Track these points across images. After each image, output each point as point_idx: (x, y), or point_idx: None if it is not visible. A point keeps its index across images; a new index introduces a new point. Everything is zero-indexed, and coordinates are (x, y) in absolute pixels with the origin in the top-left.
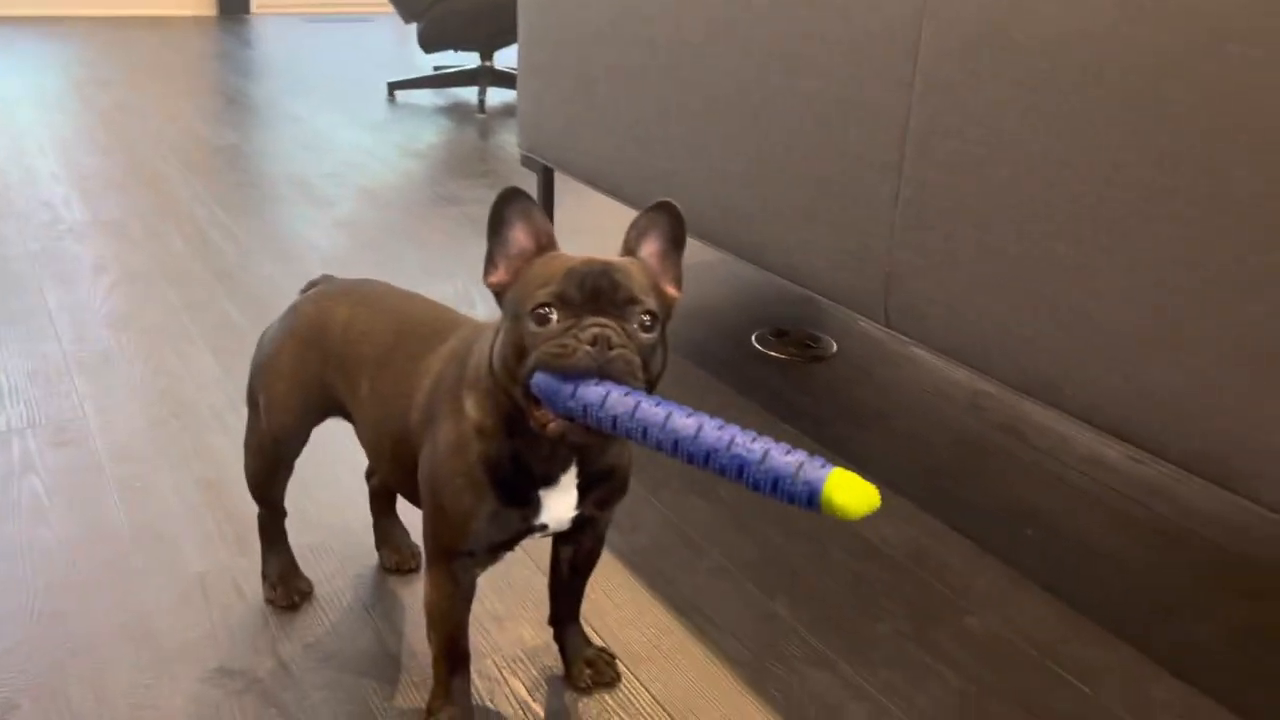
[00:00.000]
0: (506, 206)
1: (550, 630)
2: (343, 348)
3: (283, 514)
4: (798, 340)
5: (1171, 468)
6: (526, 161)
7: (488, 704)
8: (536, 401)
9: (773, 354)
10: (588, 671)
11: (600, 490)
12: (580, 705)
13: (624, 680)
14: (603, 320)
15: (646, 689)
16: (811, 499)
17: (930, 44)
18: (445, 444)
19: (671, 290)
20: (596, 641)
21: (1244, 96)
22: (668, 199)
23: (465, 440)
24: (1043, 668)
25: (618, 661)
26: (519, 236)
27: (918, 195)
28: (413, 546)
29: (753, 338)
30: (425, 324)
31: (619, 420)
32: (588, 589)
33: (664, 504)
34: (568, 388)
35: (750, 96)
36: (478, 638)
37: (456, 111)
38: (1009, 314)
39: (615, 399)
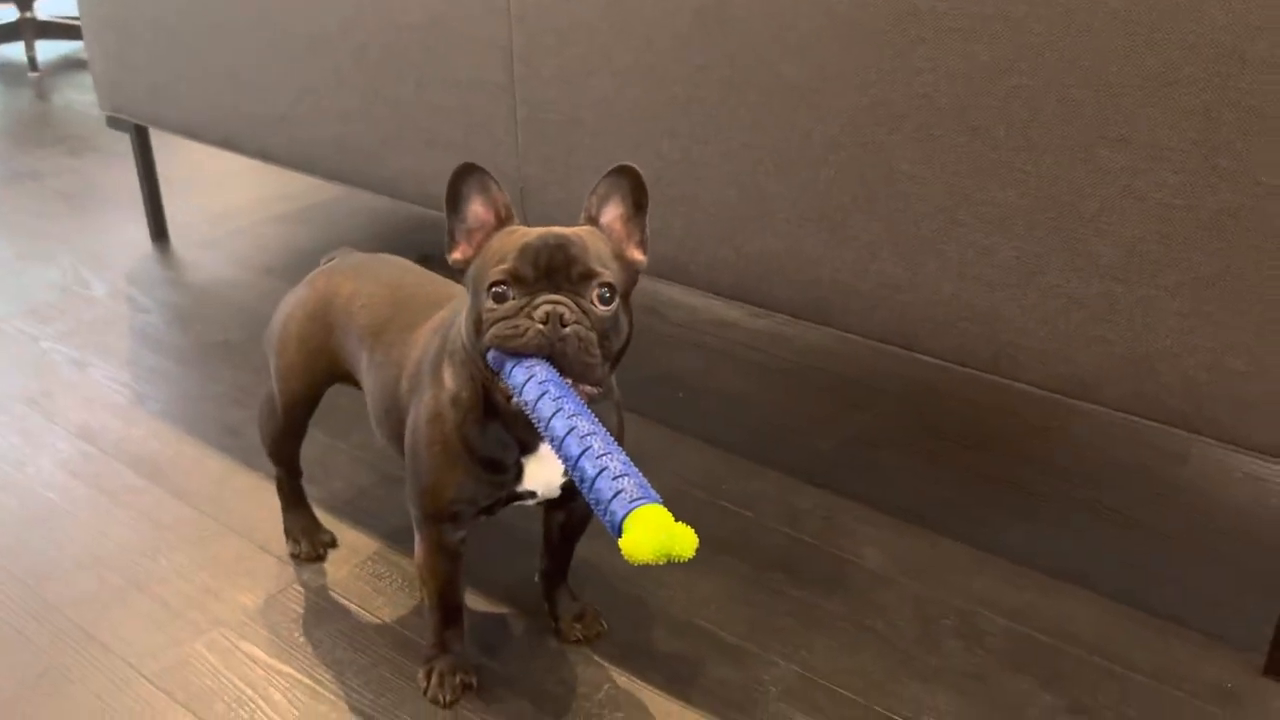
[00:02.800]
0: (462, 182)
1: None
2: (346, 319)
3: (298, 474)
4: (442, 262)
5: (782, 317)
6: (114, 122)
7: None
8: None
9: None
10: (577, 626)
11: None
12: (334, 663)
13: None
14: (555, 297)
15: (380, 621)
16: (616, 530)
17: None
18: (425, 412)
19: (637, 254)
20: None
21: (793, 5)
22: (628, 163)
23: (442, 409)
24: (711, 504)
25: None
26: (477, 211)
27: (533, 113)
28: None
29: None
30: (421, 296)
31: (526, 404)
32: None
33: (351, 446)
34: (508, 366)
35: (354, 31)
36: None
37: (2, 73)
38: None
39: (529, 389)
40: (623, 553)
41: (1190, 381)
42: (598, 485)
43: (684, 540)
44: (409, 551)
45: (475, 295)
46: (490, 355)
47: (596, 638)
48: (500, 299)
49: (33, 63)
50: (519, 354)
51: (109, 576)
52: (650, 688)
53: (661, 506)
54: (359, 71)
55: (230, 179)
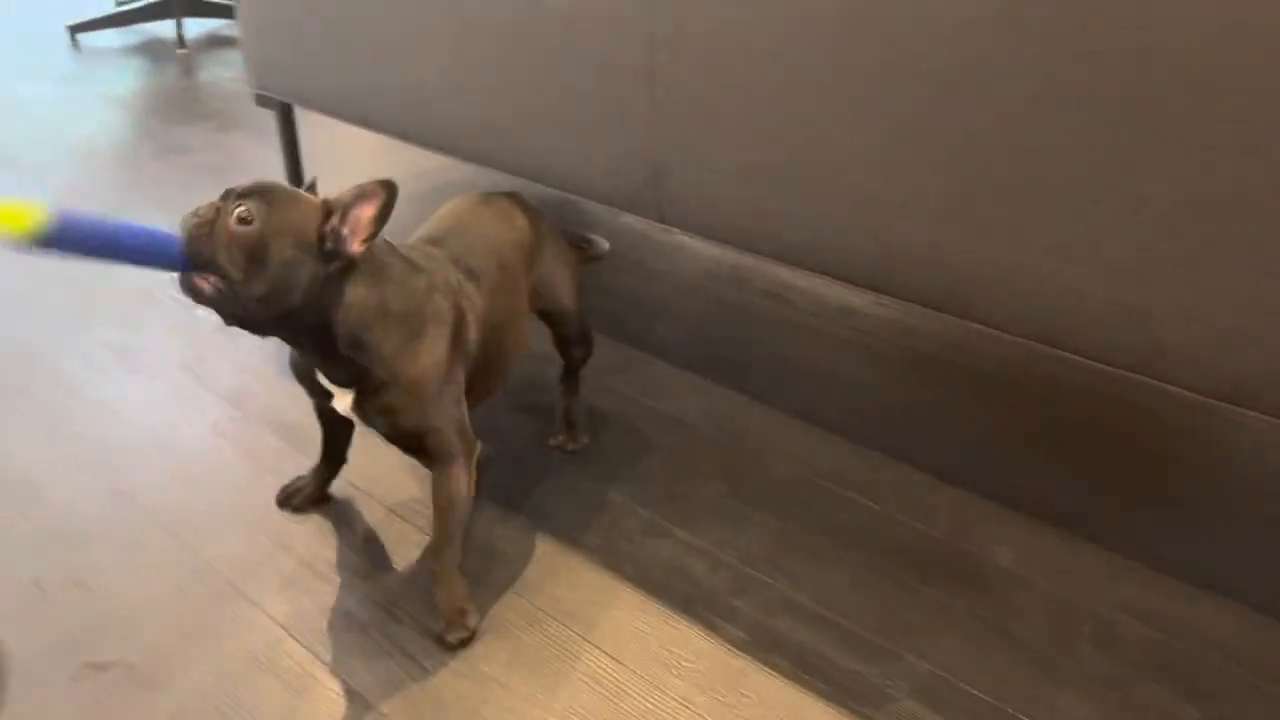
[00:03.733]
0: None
1: None
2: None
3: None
4: (571, 243)
5: (909, 306)
6: (262, 100)
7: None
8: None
9: None
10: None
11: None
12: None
13: (490, 581)
14: (213, 203)
15: (513, 591)
16: None
17: None
18: None
19: (358, 247)
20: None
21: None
22: (389, 180)
23: None
24: (839, 496)
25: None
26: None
27: (673, 97)
28: None
29: None
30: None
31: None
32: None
33: (488, 421)
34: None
35: (496, 11)
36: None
37: (152, 50)
38: (769, 197)
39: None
40: None
41: None
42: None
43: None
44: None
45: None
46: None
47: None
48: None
49: (181, 40)
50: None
51: (259, 537)
52: (776, 675)
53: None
54: (499, 52)
55: (368, 157)
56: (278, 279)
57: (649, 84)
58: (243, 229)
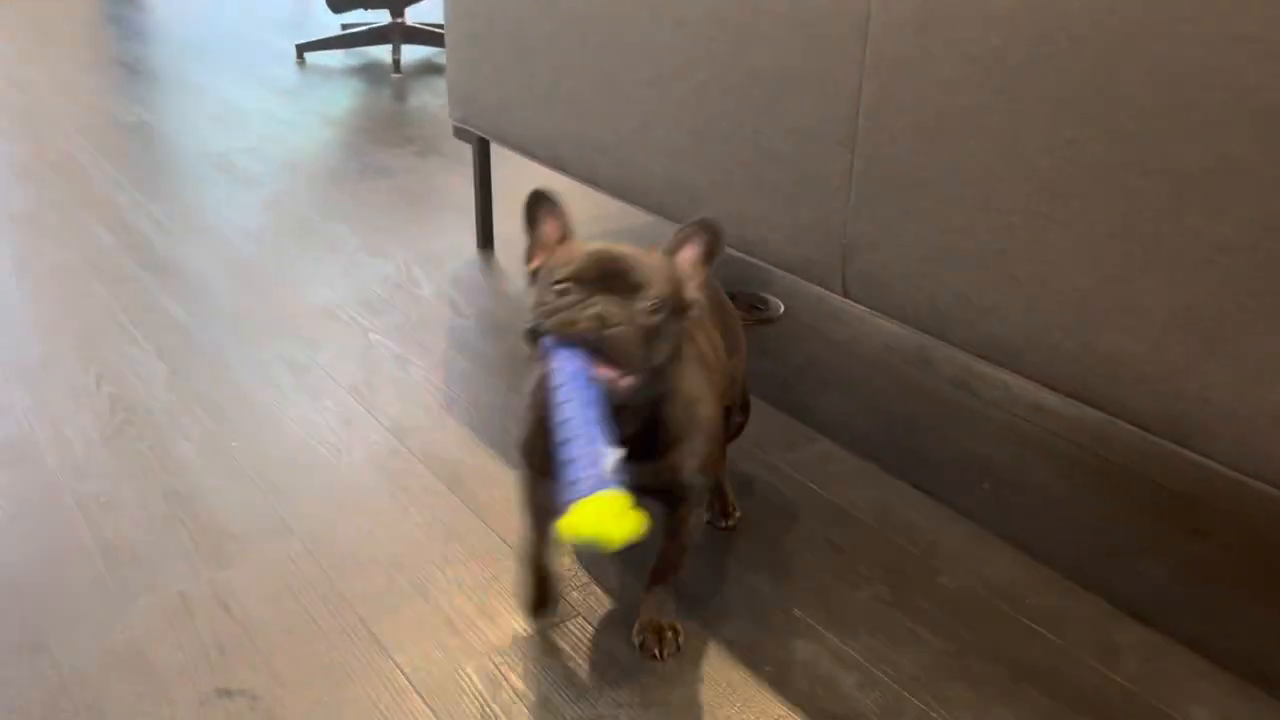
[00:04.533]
0: (537, 208)
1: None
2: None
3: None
4: (745, 303)
5: (1104, 414)
6: (460, 133)
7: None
8: None
9: None
10: (646, 635)
11: (648, 461)
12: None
13: (631, 671)
14: (610, 299)
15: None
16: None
17: (879, 18)
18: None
19: (693, 292)
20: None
21: (1195, 76)
22: (710, 218)
23: (538, 395)
24: (1014, 620)
25: (676, 638)
26: (549, 229)
27: (872, 169)
28: None
29: None
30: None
31: (555, 389)
32: None
33: None
34: (557, 350)
35: (698, 70)
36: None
37: (369, 72)
38: (967, 284)
39: (560, 374)
40: (559, 527)
41: None
42: (571, 467)
43: (615, 528)
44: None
45: (541, 289)
46: (545, 341)
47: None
48: (562, 294)
49: (397, 65)
50: (568, 341)
51: (398, 578)
52: None
53: (605, 495)
54: (697, 110)
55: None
56: (669, 347)
57: (848, 151)
58: (654, 319)
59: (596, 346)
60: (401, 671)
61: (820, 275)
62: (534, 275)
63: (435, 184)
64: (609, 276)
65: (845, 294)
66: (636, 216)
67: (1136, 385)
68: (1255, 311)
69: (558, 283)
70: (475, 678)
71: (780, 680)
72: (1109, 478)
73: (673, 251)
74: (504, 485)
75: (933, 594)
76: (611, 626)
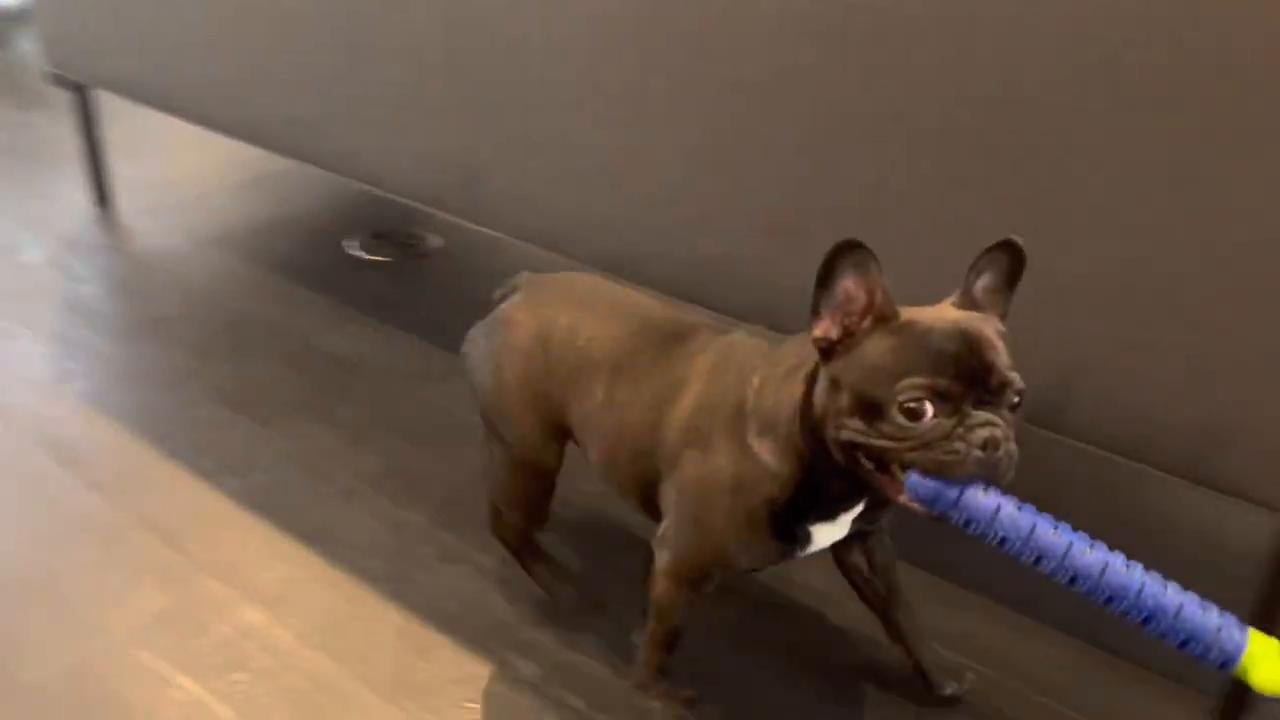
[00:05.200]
0: (839, 260)
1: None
2: (570, 355)
3: (540, 530)
4: (398, 241)
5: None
6: (57, 80)
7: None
8: (884, 469)
9: (370, 257)
10: (951, 683)
11: (874, 511)
12: (229, 673)
13: (264, 625)
14: (991, 419)
15: (287, 629)
16: (1225, 665)
17: None
18: (726, 478)
19: (998, 326)
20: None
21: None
22: (1013, 238)
23: (754, 482)
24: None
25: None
26: (849, 289)
27: (485, 94)
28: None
29: (344, 244)
30: (659, 325)
31: (1007, 540)
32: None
33: (278, 435)
34: (951, 493)
35: (303, 3)
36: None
37: None
38: (580, 203)
39: (1008, 517)
40: (1256, 688)
41: None
42: (1185, 619)
43: None
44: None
45: (858, 395)
46: (913, 482)
47: (967, 691)
48: (916, 415)
49: None
50: (952, 481)
51: (8, 566)
52: (568, 711)
53: (1258, 633)
54: (298, 40)
55: (183, 145)
56: None
57: (451, 74)
58: (1018, 417)
59: (993, 477)
60: (13, 661)
61: (449, 203)
62: (826, 349)
63: (43, 138)
64: (972, 382)
65: (476, 220)
66: (276, 161)
67: (734, 280)
68: (818, 213)
69: (909, 401)
70: (100, 659)
71: (430, 609)
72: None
73: (971, 289)
74: (128, 456)
75: (581, 503)
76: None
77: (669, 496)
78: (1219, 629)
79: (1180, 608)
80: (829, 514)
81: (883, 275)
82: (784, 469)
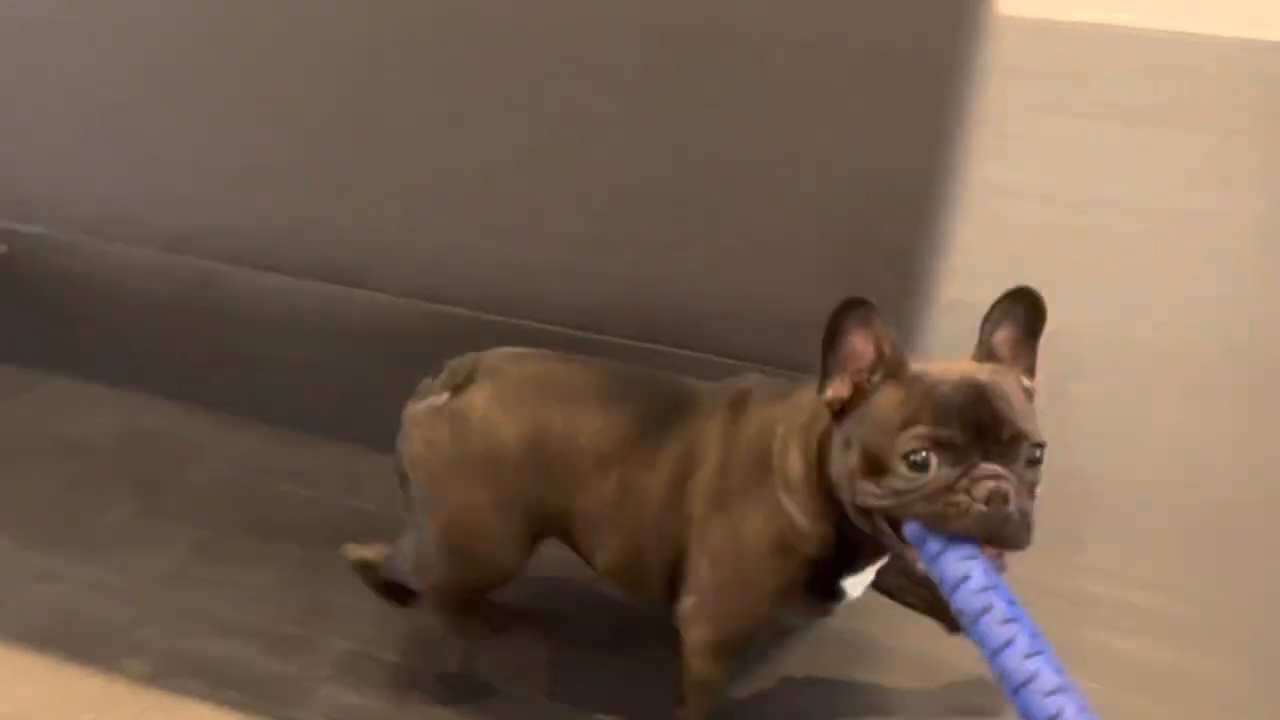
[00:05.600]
0: (844, 319)
1: None
2: (574, 456)
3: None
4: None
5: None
6: None
7: None
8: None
9: None
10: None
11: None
12: None
13: None
14: (995, 470)
15: None
16: None
17: None
18: (765, 540)
19: (1026, 381)
20: None
21: None
22: (1027, 286)
23: (786, 542)
24: (266, 488)
25: None
26: (856, 345)
27: None
28: None
29: None
30: (659, 400)
31: (960, 613)
32: None
33: None
34: (932, 547)
35: None
36: None
37: None
38: (117, 186)
39: (965, 594)
40: None
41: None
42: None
43: None
44: None
45: (866, 451)
46: (909, 530)
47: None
48: (920, 467)
49: None
50: (951, 535)
51: None
52: (192, 699)
53: None
54: None
55: None
56: None
57: None
58: (1036, 473)
59: (999, 535)
60: None
61: None
62: (836, 410)
63: None
64: (979, 432)
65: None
66: None
67: (308, 245)
68: (352, 159)
69: (911, 453)
70: None
71: (25, 636)
72: (337, 338)
73: (988, 342)
74: None
75: (184, 491)
76: None
77: (699, 570)
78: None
79: (1025, 687)
80: (859, 567)
81: (888, 327)
82: (814, 526)
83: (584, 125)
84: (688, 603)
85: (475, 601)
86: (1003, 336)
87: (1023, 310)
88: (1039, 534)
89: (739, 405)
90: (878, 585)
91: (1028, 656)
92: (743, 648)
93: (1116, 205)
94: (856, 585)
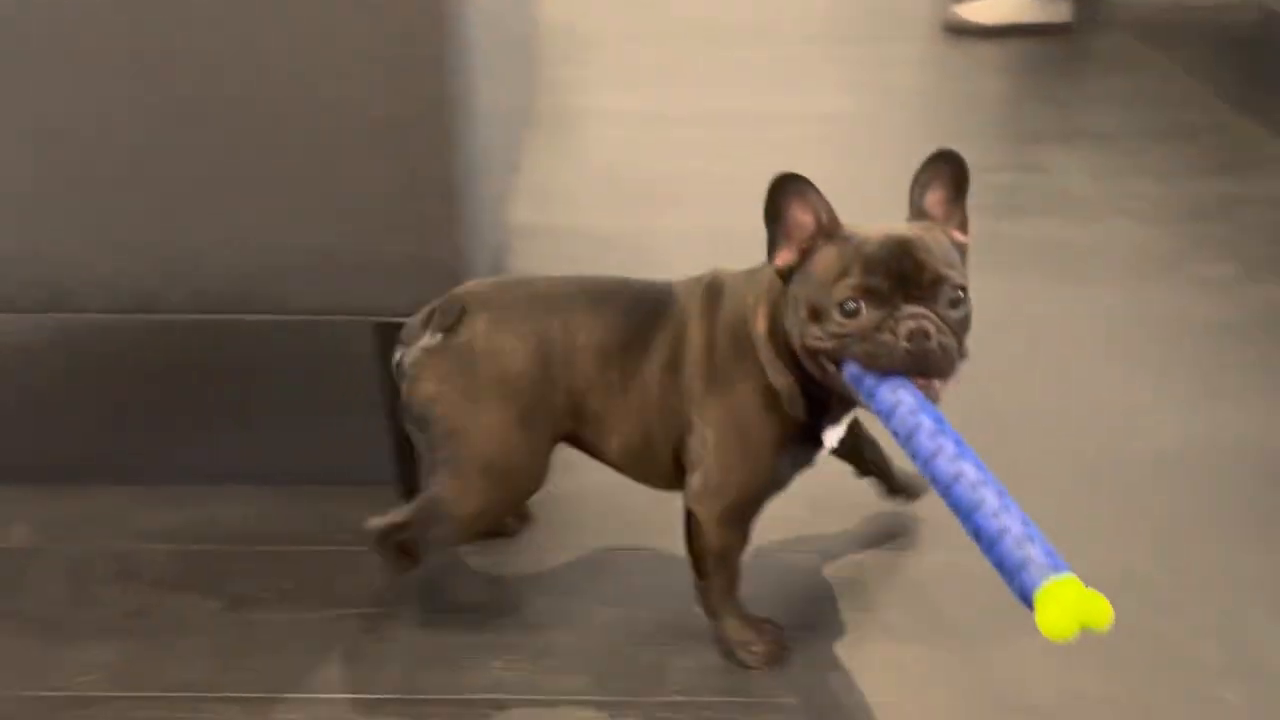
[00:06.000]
0: (780, 195)
1: None
2: (578, 356)
3: None
4: None
5: None
6: None
7: None
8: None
9: None
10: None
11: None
12: None
13: None
14: (919, 311)
15: None
16: (1025, 600)
17: None
18: (758, 401)
19: (960, 236)
20: None
21: None
22: (949, 148)
23: (772, 402)
24: None
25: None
26: (797, 216)
27: None
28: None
29: None
30: (641, 297)
31: (896, 435)
32: None
33: None
34: (869, 383)
35: None
36: None
37: None
38: None
39: (899, 417)
40: (1041, 630)
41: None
42: (1000, 549)
43: (1099, 611)
44: None
45: (816, 308)
46: (847, 372)
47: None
48: (852, 314)
49: None
50: (884, 372)
51: None
52: None
53: (1070, 577)
54: None
55: None
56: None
57: None
58: (959, 313)
59: (924, 368)
60: None
61: None
62: (786, 274)
63: None
64: (903, 279)
65: None
66: None
67: None
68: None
69: (844, 301)
70: None
71: None
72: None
73: (919, 204)
74: None
75: None
76: None
77: (705, 442)
78: (1022, 567)
79: (999, 535)
80: (837, 418)
81: (823, 197)
82: (783, 380)
83: (86, 102)
84: (695, 479)
85: (502, 520)
86: (934, 198)
87: (948, 170)
88: None
89: (714, 290)
90: (836, 451)
91: (953, 459)
92: (756, 512)
93: (713, 117)
94: (832, 436)
